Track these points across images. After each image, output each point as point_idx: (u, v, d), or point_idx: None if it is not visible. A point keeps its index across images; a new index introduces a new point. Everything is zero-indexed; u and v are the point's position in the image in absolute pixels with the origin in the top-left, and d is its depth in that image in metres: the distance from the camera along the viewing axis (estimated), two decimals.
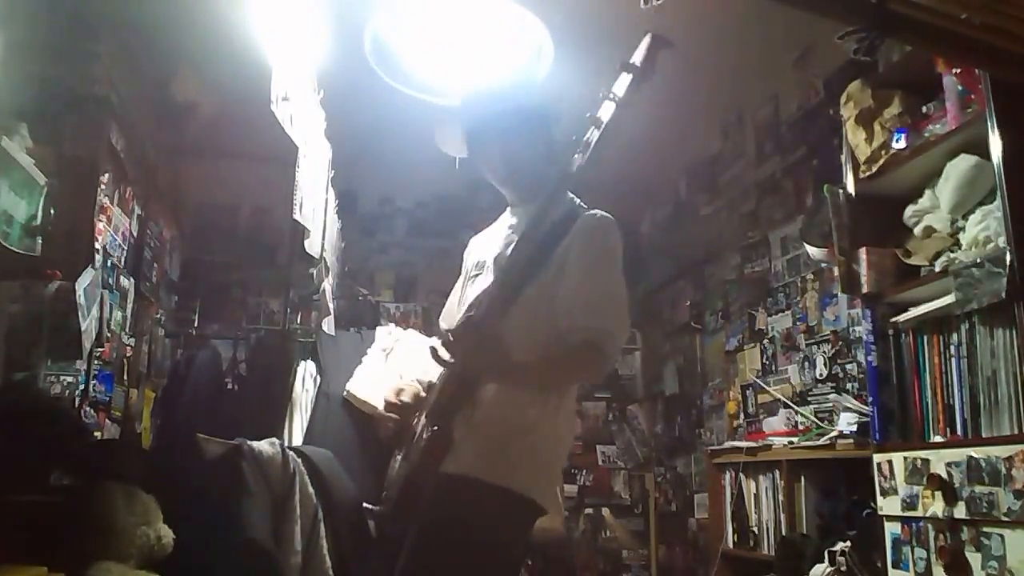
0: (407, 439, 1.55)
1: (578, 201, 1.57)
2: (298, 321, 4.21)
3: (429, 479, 1.44)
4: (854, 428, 2.51)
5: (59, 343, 2.36)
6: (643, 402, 4.99)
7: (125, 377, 3.25)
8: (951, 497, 1.85)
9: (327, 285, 3.28)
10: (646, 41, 1.38)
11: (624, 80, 1.37)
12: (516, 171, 1.58)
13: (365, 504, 1.62)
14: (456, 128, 1.63)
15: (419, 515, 1.44)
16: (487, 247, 1.64)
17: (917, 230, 2.19)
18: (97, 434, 2.81)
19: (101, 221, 2.83)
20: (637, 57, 1.38)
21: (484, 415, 1.46)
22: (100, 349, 2.89)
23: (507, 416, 1.45)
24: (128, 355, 3.30)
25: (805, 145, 3.36)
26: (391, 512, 1.52)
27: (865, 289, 2.24)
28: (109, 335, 2.99)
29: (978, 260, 1.86)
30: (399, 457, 1.57)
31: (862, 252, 2.26)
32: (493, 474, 1.42)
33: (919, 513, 1.95)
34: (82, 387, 2.70)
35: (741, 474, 3.15)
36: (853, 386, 2.90)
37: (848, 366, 2.97)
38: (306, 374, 3.43)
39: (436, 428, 1.44)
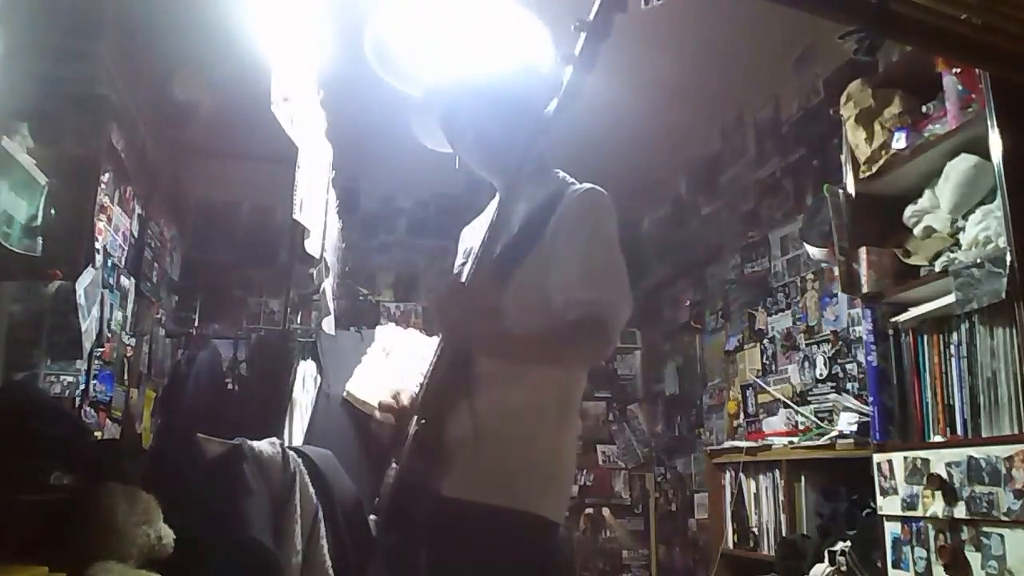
0: (401, 442, 1.48)
1: (569, 179, 1.50)
2: (298, 321, 4.22)
3: (421, 481, 1.36)
4: (854, 428, 2.51)
5: (59, 343, 2.37)
6: (643, 402, 4.99)
7: (125, 377, 3.25)
8: (951, 497, 1.85)
9: (327, 285, 3.28)
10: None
11: (580, 40, 1.29)
12: (493, 154, 1.51)
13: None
14: (430, 118, 1.58)
15: (417, 530, 1.37)
16: (476, 235, 1.58)
17: (917, 230, 2.19)
18: (97, 434, 2.81)
19: (101, 221, 2.83)
20: (591, 15, 1.29)
21: (481, 427, 1.36)
22: (100, 349, 2.89)
23: (505, 428, 1.36)
24: (128, 355, 3.30)
25: (805, 145, 3.36)
26: (385, 520, 1.45)
27: (865, 289, 2.24)
28: (109, 335, 2.99)
29: (978, 260, 1.86)
30: (394, 463, 1.49)
31: (862, 252, 2.26)
32: (495, 495, 1.32)
33: (919, 513, 1.95)
34: (82, 387, 2.70)
35: (741, 474, 3.15)
36: (853, 386, 2.90)
37: (848, 366, 2.97)
38: (306, 374, 3.43)
39: (424, 421, 1.37)
